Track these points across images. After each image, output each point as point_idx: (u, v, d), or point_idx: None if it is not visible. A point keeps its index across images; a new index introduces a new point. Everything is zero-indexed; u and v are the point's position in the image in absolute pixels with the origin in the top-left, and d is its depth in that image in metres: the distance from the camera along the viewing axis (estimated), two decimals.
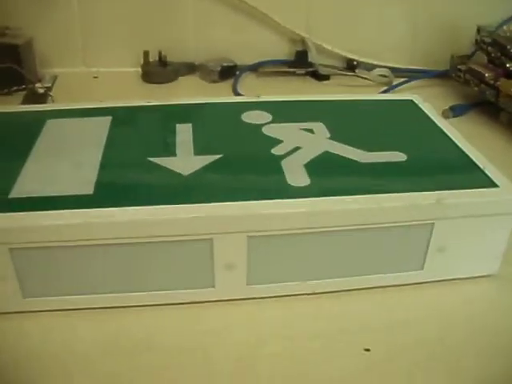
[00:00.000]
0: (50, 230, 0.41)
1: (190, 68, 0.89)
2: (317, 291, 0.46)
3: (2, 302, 0.44)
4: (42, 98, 0.80)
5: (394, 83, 0.87)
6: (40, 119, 0.55)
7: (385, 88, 0.86)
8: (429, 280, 0.48)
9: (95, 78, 0.88)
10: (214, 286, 0.45)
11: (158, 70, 0.87)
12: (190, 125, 0.54)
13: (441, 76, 0.89)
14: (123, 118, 0.56)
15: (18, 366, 0.41)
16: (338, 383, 0.40)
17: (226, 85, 0.87)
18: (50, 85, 0.85)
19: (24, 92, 0.81)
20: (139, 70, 0.88)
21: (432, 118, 0.58)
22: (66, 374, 0.40)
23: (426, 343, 0.43)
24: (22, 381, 0.40)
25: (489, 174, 0.48)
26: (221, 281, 0.44)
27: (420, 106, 0.61)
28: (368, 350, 0.42)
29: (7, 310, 0.44)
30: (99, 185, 0.45)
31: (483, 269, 0.49)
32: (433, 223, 0.45)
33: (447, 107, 0.79)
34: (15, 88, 0.82)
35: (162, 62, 0.87)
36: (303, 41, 0.90)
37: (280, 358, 0.41)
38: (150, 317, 0.44)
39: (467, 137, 0.54)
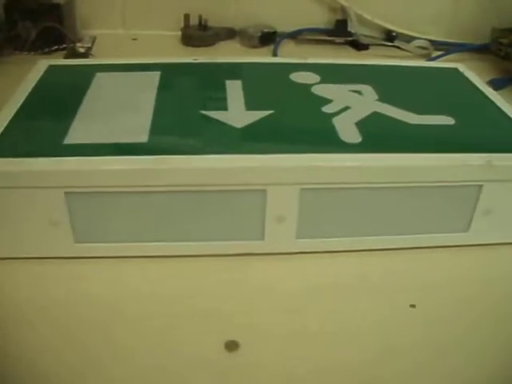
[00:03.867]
0: (105, 174, 0.42)
1: (230, 33, 0.90)
2: (366, 248, 0.47)
3: (54, 247, 0.45)
4: (82, 57, 0.80)
5: (433, 55, 0.86)
6: (90, 72, 0.56)
7: (424, 60, 0.85)
8: (473, 243, 0.48)
9: (134, 40, 0.88)
10: (263, 239, 0.45)
11: (198, 34, 0.87)
12: (240, 82, 0.54)
13: (481, 49, 0.88)
14: (172, 74, 0.56)
15: (67, 310, 0.42)
16: (383, 336, 0.41)
17: (266, 51, 0.87)
18: (89, 45, 0.85)
19: (64, 51, 0.82)
20: (179, 33, 0.88)
21: (477, 85, 0.58)
22: (108, 323, 0.41)
23: (468, 301, 0.44)
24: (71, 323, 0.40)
25: None
26: (271, 233, 0.45)
27: (465, 73, 0.60)
28: (413, 305, 0.43)
29: (60, 254, 0.45)
30: (153, 134, 0.45)
31: None
32: (481, 185, 0.45)
33: (487, 80, 0.78)
34: (56, 47, 0.82)
35: (202, 25, 0.87)
36: (343, 10, 0.90)
37: (327, 311, 0.42)
38: (199, 267, 0.45)
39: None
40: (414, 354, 0.39)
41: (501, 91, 0.76)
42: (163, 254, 0.45)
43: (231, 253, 0.46)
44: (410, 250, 0.47)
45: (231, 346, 0.39)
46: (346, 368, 0.38)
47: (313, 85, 0.55)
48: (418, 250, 0.48)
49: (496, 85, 0.78)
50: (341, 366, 0.38)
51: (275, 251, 0.46)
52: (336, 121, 0.48)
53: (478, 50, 0.89)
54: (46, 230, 0.44)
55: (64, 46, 0.83)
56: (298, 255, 0.46)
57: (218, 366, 0.38)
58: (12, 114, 0.48)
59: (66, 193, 0.42)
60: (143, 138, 0.45)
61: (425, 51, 0.88)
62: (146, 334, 0.40)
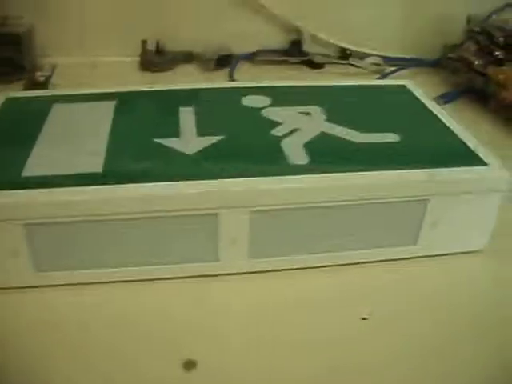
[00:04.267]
0: (63, 205, 0.43)
1: (187, 57, 0.91)
2: (316, 265, 0.48)
3: (15, 277, 0.46)
4: (42, 87, 0.81)
5: (386, 71, 0.89)
6: (46, 104, 0.57)
7: (377, 76, 0.88)
8: (421, 255, 0.50)
9: (94, 66, 0.89)
10: (218, 260, 0.47)
11: (155, 59, 0.89)
12: (192, 108, 0.56)
13: (432, 65, 0.91)
14: (127, 102, 0.58)
15: (30, 339, 0.42)
16: (337, 348, 0.42)
17: (223, 73, 0.89)
18: (49, 73, 0.86)
19: (24, 81, 0.83)
20: (137, 59, 0.89)
21: (424, 101, 0.60)
22: (76, 347, 0.42)
23: (416, 313, 0.46)
24: (32, 351, 0.41)
25: (479, 154, 0.50)
26: (225, 255, 0.46)
27: (412, 90, 0.63)
28: (365, 318, 0.44)
29: (20, 284, 0.46)
30: (107, 164, 0.47)
31: (473, 244, 0.51)
32: (427, 199, 0.47)
33: (438, 94, 0.81)
34: (15, 77, 0.83)
35: (160, 50, 0.89)
36: (297, 30, 0.92)
37: (280, 325, 0.44)
38: (158, 289, 0.47)
39: (458, 122, 0.56)
40: (370, 368, 0.41)
41: (451, 104, 0.79)
42: (123, 279, 0.47)
43: (188, 275, 0.47)
44: (361, 264, 0.49)
45: (189, 365, 0.40)
46: (299, 379, 0.40)
47: (263, 108, 0.56)
48: (369, 264, 0.49)
49: (447, 98, 0.81)
50: (295, 376, 0.40)
51: (230, 271, 0.47)
52: (284, 143, 0.50)
53: (430, 65, 0.92)
54: (6, 261, 0.45)
55: (23, 75, 0.83)
56: (252, 274, 0.48)
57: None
58: None
59: (23, 224, 0.43)
60: (98, 167, 0.46)
61: (378, 67, 0.91)
62: (106, 356, 0.41)
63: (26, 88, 0.81)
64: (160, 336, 0.43)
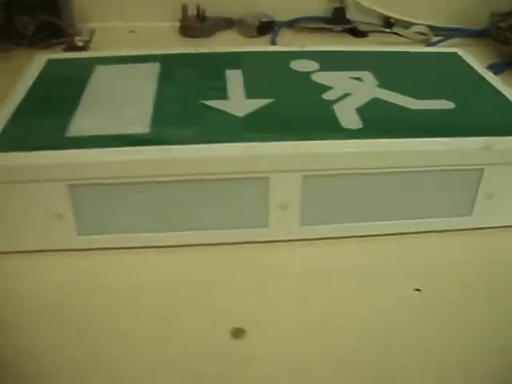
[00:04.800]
0: (107, 166, 0.42)
1: (228, 23, 0.89)
2: (369, 233, 0.47)
3: (58, 239, 0.45)
4: (81, 51, 0.80)
5: (432, 41, 0.86)
6: (89, 65, 0.56)
7: (423, 46, 0.85)
8: (476, 226, 0.48)
9: (132, 32, 0.88)
10: (267, 226, 0.45)
11: (196, 25, 0.87)
12: (240, 71, 0.54)
13: (479, 34, 0.88)
14: (172, 65, 0.56)
15: (71, 301, 0.42)
16: (389, 317, 0.41)
17: (264, 40, 0.87)
18: (88, 38, 0.85)
19: (63, 45, 0.82)
20: (177, 24, 0.88)
21: (476, 69, 0.58)
22: (118, 308, 0.41)
23: (473, 285, 0.44)
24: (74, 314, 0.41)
25: None
26: (274, 221, 0.45)
27: (464, 58, 0.61)
28: (418, 289, 0.43)
29: (64, 247, 0.45)
30: (154, 124, 0.45)
31: None
32: (482, 169, 0.46)
33: (486, 65, 0.78)
34: (55, 41, 0.82)
35: (201, 16, 0.87)
36: None
37: (332, 297, 0.43)
38: (204, 256, 0.45)
39: None
40: (421, 340, 0.39)
41: (500, 75, 0.76)
42: (168, 244, 0.46)
43: (236, 241, 0.46)
44: (414, 234, 0.48)
45: (237, 333, 0.39)
46: (353, 354, 0.38)
47: (312, 72, 0.55)
48: (422, 234, 0.48)
49: (495, 69, 0.78)
50: (348, 353, 0.38)
51: (279, 238, 0.46)
52: (337, 107, 0.48)
53: (477, 35, 0.89)
54: (49, 223, 0.44)
55: (62, 39, 0.82)
56: (302, 242, 0.46)
57: (225, 352, 0.38)
58: (13, 110, 0.48)
59: (69, 185, 0.42)
60: (145, 128, 0.45)
61: (423, 37, 0.88)
62: (152, 323, 0.40)
63: (65, 52, 0.79)
64: (207, 303, 0.42)
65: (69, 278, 0.44)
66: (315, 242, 0.46)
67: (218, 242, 0.46)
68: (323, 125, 0.46)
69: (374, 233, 0.47)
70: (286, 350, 0.38)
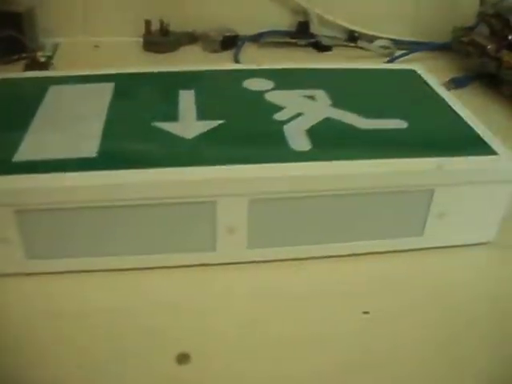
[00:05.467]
0: (54, 191, 0.42)
1: (192, 38, 0.90)
2: (315, 255, 0.47)
3: (4, 264, 0.44)
4: (43, 67, 0.80)
5: (396, 55, 0.87)
6: (43, 85, 0.55)
7: (386, 59, 0.85)
8: (428, 246, 0.49)
9: (96, 47, 0.88)
10: (215, 250, 0.45)
11: (159, 40, 0.87)
12: (193, 91, 0.54)
13: (442, 48, 0.89)
14: (126, 85, 0.56)
15: (17, 327, 0.41)
16: (336, 343, 0.41)
17: (228, 55, 0.87)
18: (51, 53, 0.84)
19: (25, 60, 0.81)
20: (141, 39, 0.87)
21: (433, 87, 0.58)
22: (68, 336, 0.41)
23: (420, 307, 0.44)
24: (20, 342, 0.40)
25: (488, 143, 0.48)
26: (222, 244, 0.45)
27: (422, 75, 0.61)
28: (367, 312, 0.43)
29: (9, 271, 0.45)
30: (102, 148, 0.45)
31: (481, 236, 0.49)
32: (433, 189, 0.46)
33: (448, 79, 0.79)
34: (16, 56, 0.82)
35: (164, 31, 0.87)
36: (305, 11, 0.90)
37: (280, 319, 0.42)
38: (152, 279, 0.45)
39: (468, 108, 0.54)
40: (369, 365, 0.39)
41: (462, 89, 0.77)
42: (113, 268, 0.45)
43: (184, 264, 0.45)
44: (365, 255, 0.47)
45: (183, 359, 0.39)
46: (299, 378, 0.38)
47: (266, 91, 0.54)
48: (373, 255, 0.48)
49: (458, 83, 0.79)
50: (293, 376, 0.38)
51: (227, 261, 0.46)
52: (286, 128, 0.48)
53: (441, 49, 0.89)
54: None
55: (24, 55, 0.82)
56: (250, 264, 0.46)
57: (169, 379, 0.38)
58: None
59: (15, 211, 0.42)
60: (93, 152, 0.45)
61: (387, 51, 0.89)
62: (97, 348, 0.40)
63: (27, 68, 0.79)
64: (154, 327, 0.41)
65: (18, 302, 0.43)
66: (263, 264, 0.46)
67: (168, 265, 0.45)
68: (271, 147, 0.46)
69: (322, 254, 0.47)
70: (232, 373, 0.38)
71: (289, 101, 0.53)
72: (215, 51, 0.87)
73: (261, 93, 0.54)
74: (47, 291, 0.44)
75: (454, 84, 0.79)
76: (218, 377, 0.38)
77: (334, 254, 0.47)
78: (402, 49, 0.88)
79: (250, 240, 0.45)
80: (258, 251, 0.46)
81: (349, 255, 0.47)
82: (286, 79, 0.57)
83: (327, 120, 0.50)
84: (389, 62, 0.84)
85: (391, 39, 0.90)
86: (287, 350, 0.40)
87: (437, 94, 0.57)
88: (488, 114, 0.59)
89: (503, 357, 0.40)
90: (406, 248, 0.48)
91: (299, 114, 0.50)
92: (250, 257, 0.46)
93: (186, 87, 0.55)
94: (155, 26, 0.87)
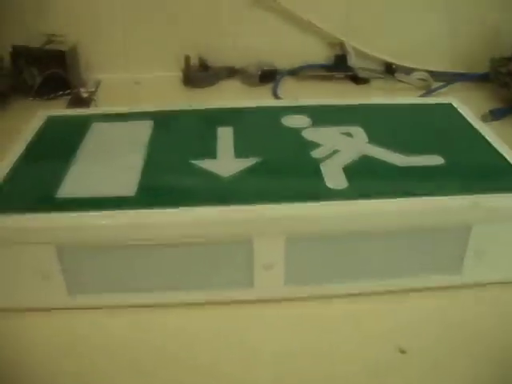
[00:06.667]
0: (95, 229, 0.43)
1: (231, 72, 0.91)
2: (355, 292, 0.47)
3: (48, 299, 0.46)
4: (85, 103, 0.82)
5: (433, 87, 0.87)
6: (86, 122, 0.57)
7: (424, 92, 0.85)
8: (466, 283, 0.48)
9: (137, 83, 0.90)
10: (252, 286, 0.46)
11: (199, 75, 0.88)
12: (231, 128, 0.55)
13: (480, 79, 0.88)
14: (165, 122, 0.57)
15: (59, 361, 0.42)
16: (372, 381, 0.41)
17: (266, 89, 0.88)
18: (93, 89, 0.86)
19: (69, 96, 0.83)
20: (180, 74, 0.89)
21: (470, 121, 0.58)
22: (107, 369, 0.42)
23: (463, 343, 0.44)
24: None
25: None
26: (260, 280, 0.45)
27: (459, 109, 0.61)
28: (403, 351, 0.42)
29: (53, 306, 0.46)
30: (141, 186, 0.46)
31: None
32: (470, 227, 0.45)
33: (487, 111, 0.78)
34: (61, 93, 0.84)
35: (203, 66, 0.89)
36: (342, 45, 0.90)
37: (316, 355, 0.42)
38: (191, 315, 0.46)
39: (507, 141, 0.54)
40: None
41: (500, 121, 0.76)
42: (156, 303, 0.46)
43: (224, 300, 0.46)
44: (403, 292, 0.47)
45: None
46: None
47: (303, 128, 0.55)
48: (411, 292, 0.47)
49: (496, 114, 0.78)
50: None
51: (265, 298, 0.46)
52: (324, 166, 0.49)
53: (479, 80, 0.89)
54: (38, 283, 0.45)
55: (68, 91, 0.84)
56: (288, 301, 0.46)
57: None
58: (8, 168, 0.50)
59: (56, 247, 0.43)
60: (131, 191, 0.46)
61: (425, 83, 0.89)
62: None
63: (71, 104, 0.81)
64: (189, 364, 0.42)
65: (59, 336, 0.44)
66: (301, 301, 0.46)
67: (208, 301, 0.46)
68: (308, 185, 0.47)
69: (359, 292, 0.47)
70: None
71: (326, 138, 0.53)
72: (254, 85, 0.88)
73: (298, 130, 0.55)
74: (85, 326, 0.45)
75: (493, 116, 0.78)
76: None
77: (372, 290, 0.47)
78: (440, 80, 0.88)
79: (288, 276, 0.45)
80: (295, 288, 0.46)
81: (389, 292, 0.47)
82: (323, 115, 0.58)
83: (364, 157, 0.51)
84: (426, 94, 0.84)
85: (428, 71, 0.90)
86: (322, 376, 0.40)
87: (473, 128, 0.57)
88: None
89: None
90: (445, 285, 0.48)
91: (336, 151, 0.51)
92: (287, 293, 0.46)
93: (225, 124, 0.56)
94: (194, 61, 0.88)
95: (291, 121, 0.57)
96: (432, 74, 0.90)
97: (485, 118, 0.76)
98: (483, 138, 0.55)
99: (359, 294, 0.47)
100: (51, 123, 0.58)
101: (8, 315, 0.45)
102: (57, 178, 0.48)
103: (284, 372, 0.41)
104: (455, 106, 0.62)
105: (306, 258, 0.45)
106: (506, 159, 0.51)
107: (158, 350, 0.43)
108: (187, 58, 0.88)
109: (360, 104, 0.62)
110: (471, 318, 0.46)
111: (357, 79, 0.90)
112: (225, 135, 0.54)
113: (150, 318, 0.45)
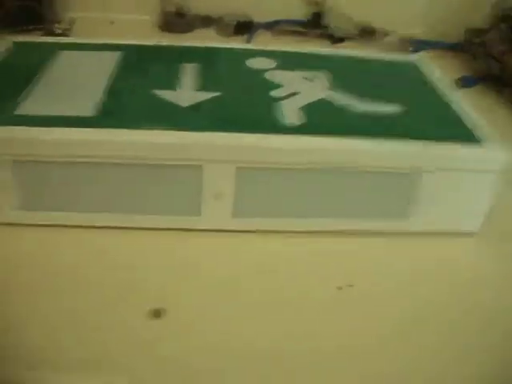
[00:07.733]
0: (51, 144, 0.44)
1: (207, 21, 0.91)
2: (300, 229, 0.48)
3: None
4: None
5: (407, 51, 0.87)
6: (53, 50, 0.57)
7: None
8: (410, 230, 0.49)
9: (112, 23, 0.89)
10: (200, 215, 0.46)
11: (174, 20, 0.88)
12: (197, 65, 0.55)
13: (454, 48, 0.89)
14: (132, 55, 0.57)
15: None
16: (310, 318, 0.42)
17: (241, 40, 0.88)
18: (67, 27, 0.86)
19: (41, 32, 0.83)
20: (156, 19, 0.89)
21: (432, 78, 0.59)
22: (46, 285, 0.42)
23: (393, 290, 0.45)
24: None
25: (476, 133, 0.49)
26: (207, 210, 0.46)
27: (423, 67, 0.61)
28: (340, 288, 0.44)
29: (3, 220, 0.46)
30: (100, 108, 0.47)
31: (465, 225, 0.50)
32: (419, 173, 0.47)
33: (457, 77, 0.79)
34: (32, 27, 0.83)
35: (179, 12, 0.88)
36: (320, 3, 0.91)
37: (255, 288, 0.44)
38: (134, 239, 0.46)
39: (474, 108, 0.54)
40: (343, 341, 0.40)
41: (469, 89, 0.77)
42: (101, 225, 0.47)
43: (168, 227, 0.47)
44: (345, 233, 0.48)
45: (158, 313, 0.40)
46: (271, 347, 0.39)
47: (266, 70, 0.56)
48: (355, 234, 0.49)
49: (466, 82, 0.79)
50: (264, 344, 0.39)
51: (211, 228, 0.47)
52: (280, 105, 0.49)
53: (452, 48, 0.90)
54: None
55: (42, 26, 0.83)
56: (233, 233, 0.47)
57: (144, 332, 0.39)
58: None
59: (13, 160, 0.44)
60: (90, 112, 0.46)
61: (399, 47, 0.89)
62: (76, 302, 0.41)
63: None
64: (131, 285, 0.43)
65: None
66: (246, 234, 0.47)
67: (151, 226, 0.47)
68: (263, 119, 0.47)
69: (305, 229, 0.48)
70: (204, 330, 0.40)
71: (287, 80, 0.54)
72: (229, 35, 0.88)
73: (262, 71, 0.56)
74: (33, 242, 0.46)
75: (462, 83, 0.79)
76: (190, 331, 0.39)
77: (316, 229, 0.48)
78: (414, 46, 0.88)
79: (236, 208, 0.46)
80: (243, 220, 0.47)
81: (332, 231, 0.48)
82: (289, 60, 0.59)
83: (322, 101, 0.51)
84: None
85: (404, 36, 0.90)
86: (256, 316, 0.41)
87: (434, 84, 0.57)
88: (490, 114, 0.59)
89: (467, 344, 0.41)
90: (389, 230, 0.49)
91: (295, 93, 0.52)
92: (234, 225, 0.47)
93: (190, 61, 0.56)
94: (171, 7, 0.88)
95: (256, 63, 0.57)
96: (407, 40, 0.90)
97: (454, 85, 0.77)
98: (442, 93, 0.56)
99: (306, 232, 0.48)
100: (17, 48, 0.58)
101: None
102: (17, 98, 0.48)
103: (218, 298, 0.42)
104: (420, 64, 0.62)
105: (255, 190, 0.46)
106: (460, 115, 0.52)
107: (99, 271, 0.44)
108: (164, 3, 0.88)
109: (328, 53, 0.63)
110: (412, 264, 0.48)
111: (332, 38, 0.91)
112: (189, 71, 0.54)
113: (94, 238, 0.46)
